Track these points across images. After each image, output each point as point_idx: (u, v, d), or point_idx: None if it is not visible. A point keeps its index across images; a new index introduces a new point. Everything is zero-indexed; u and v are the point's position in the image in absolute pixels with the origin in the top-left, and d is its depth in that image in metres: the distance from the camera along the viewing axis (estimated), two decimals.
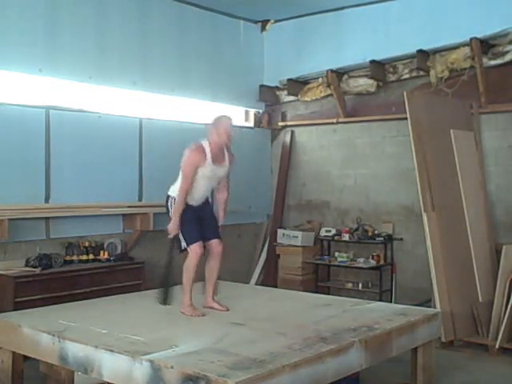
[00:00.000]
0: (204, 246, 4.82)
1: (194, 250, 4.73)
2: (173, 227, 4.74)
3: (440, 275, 6.14)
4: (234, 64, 8.36)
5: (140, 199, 7.17)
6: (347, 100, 8.16)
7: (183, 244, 4.77)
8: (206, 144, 4.74)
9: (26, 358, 4.47)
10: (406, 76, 7.60)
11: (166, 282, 4.92)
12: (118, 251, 6.77)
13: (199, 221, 4.83)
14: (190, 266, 4.74)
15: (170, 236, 4.78)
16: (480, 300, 6.37)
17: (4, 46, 5.95)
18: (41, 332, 4.10)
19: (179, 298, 4.82)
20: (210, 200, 5.09)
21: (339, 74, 7.99)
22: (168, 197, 4.86)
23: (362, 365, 3.99)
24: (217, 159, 4.77)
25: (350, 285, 8.02)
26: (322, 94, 8.28)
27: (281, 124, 8.90)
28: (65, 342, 3.92)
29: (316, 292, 7.60)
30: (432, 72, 7.23)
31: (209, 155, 4.71)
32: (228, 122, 4.78)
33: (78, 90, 6.65)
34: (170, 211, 4.82)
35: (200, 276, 4.93)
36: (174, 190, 4.81)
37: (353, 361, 3.89)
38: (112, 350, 3.65)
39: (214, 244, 4.90)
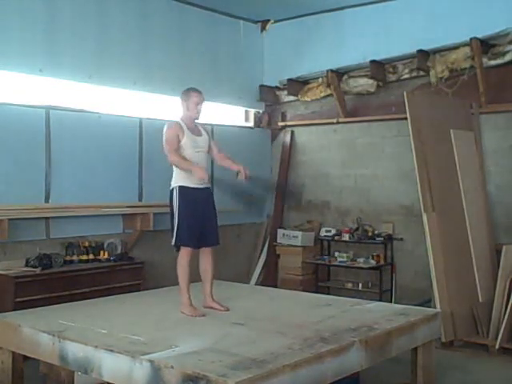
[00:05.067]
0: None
1: (182, 255, 4.74)
2: (201, 174, 4.65)
3: (440, 275, 6.14)
4: (233, 64, 8.36)
5: (140, 199, 7.17)
6: (347, 100, 8.16)
7: (173, 240, 4.74)
8: (178, 119, 4.89)
9: (26, 357, 4.47)
10: (406, 76, 7.60)
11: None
12: (118, 251, 6.77)
13: (199, 219, 4.78)
14: (182, 265, 4.74)
15: (205, 180, 4.71)
16: (480, 300, 6.37)
17: (4, 45, 5.95)
18: (41, 332, 4.10)
19: (179, 298, 4.82)
20: (212, 195, 5.03)
21: (339, 74, 7.99)
22: (172, 190, 4.82)
23: (362, 365, 3.99)
24: (193, 131, 4.88)
25: (350, 285, 8.03)
26: (322, 94, 8.28)
27: (281, 124, 8.90)
28: (65, 342, 3.92)
29: (316, 292, 7.60)
30: (432, 72, 7.23)
31: (185, 128, 4.82)
32: (196, 95, 4.86)
33: (78, 89, 6.65)
34: (175, 205, 4.76)
35: (198, 276, 4.94)
36: (176, 181, 4.80)
37: (353, 361, 3.89)
38: (112, 350, 3.65)
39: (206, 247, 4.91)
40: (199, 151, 4.85)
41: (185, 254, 4.74)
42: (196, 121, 4.96)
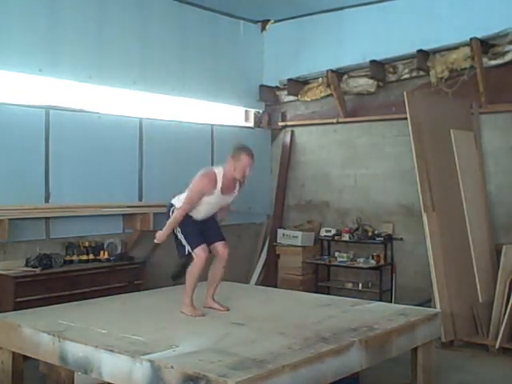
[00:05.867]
0: (209, 250, 4.79)
1: (199, 254, 4.66)
2: (161, 236, 4.71)
3: (440, 275, 6.14)
4: (234, 64, 8.36)
5: (140, 199, 7.17)
6: (347, 100, 8.16)
7: (187, 248, 4.72)
8: (219, 172, 4.66)
9: (26, 358, 4.46)
10: (406, 76, 7.61)
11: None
12: (118, 251, 6.77)
13: (201, 225, 4.80)
14: (194, 271, 4.70)
15: (156, 241, 4.76)
16: (480, 300, 6.37)
17: (4, 45, 5.95)
18: (41, 332, 4.10)
19: (180, 298, 4.81)
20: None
21: (339, 74, 7.99)
22: (171, 205, 4.80)
23: (362, 365, 3.99)
24: (226, 190, 4.71)
25: (350, 285, 8.03)
26: (322, 94, 8.29)
27: (281, 124, 8.90)
28: (65, 342, 3.92)
29: (316, 292, 7.60)
30: (432, 72, 7.23)
31: (219, 185, 4.64)
32: (247, 160, 4.64)
33: (78, 89, 6.65)
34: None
35: (202, 277, 4.93)
36: (180, 200, 4.75)
37: (353, 361, 3.89)
38: (112, 350, 3.65)
39: (220, 247, 4.85)
40: (216, 206, 4.80)
41: (198, 262, 4.66)
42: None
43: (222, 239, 4.91)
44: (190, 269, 4.73)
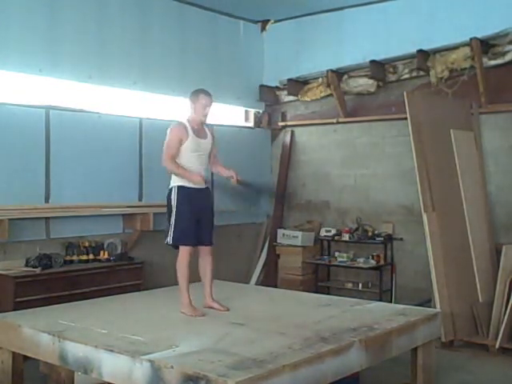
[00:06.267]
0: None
1: (183, 253, 4.73)
2: (198, 179, 4.69)
3: (440, 275, 6.14)
4: (234, 64, 8.36)
5: (140, 199, 7.17)
6: (347, 100, 8.16)
7: (169, 239, 4.74)
8: (185, 121, 4.84)
9: (26, 357, 4.46)
10: (406, 76, 7.61)
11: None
12: (118, 251, 6.77)
13: (196, 219, 4.78)
14: (182, 266, 4.73)
15: (206, 183, 4.73)
16: (480, 300, 6.38)
17: (4, 45, 5.95)
18: (41, 332, 4.10)
19: (178, 297, 4.81)
20: (211, 196, 5.06)
21: (339, 74, 7.99)
22: (171, 189, 4.82)
23: (362, 365, 3.99)
24: (199, 134, 4.83)
25: (350, 285, 8.03)
26: (322, 94, 8.29)
27: (281, 124, 8.90)
28: (65, 342, 3.92)
29: (316, 292, 7.60)
30: (432, 72, 7.23)
31: (189, 128, 4.78)
32: (204, 99, 4.81)
33: (78, 90, 6.65)
34: (173, 204, 4.77)
35: (197, 276, 4.94)
36: (175, 181, 4.79)
37: (353, 361, 3.89)
38: (112, 350, 3.65)
39: (205, 247, 4.89)
40: (201, 154, 4.85)
41: (184, 253, 4.74)
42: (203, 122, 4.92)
43: (210, 243, 4.89)
44: (177, 264, 4.75)
